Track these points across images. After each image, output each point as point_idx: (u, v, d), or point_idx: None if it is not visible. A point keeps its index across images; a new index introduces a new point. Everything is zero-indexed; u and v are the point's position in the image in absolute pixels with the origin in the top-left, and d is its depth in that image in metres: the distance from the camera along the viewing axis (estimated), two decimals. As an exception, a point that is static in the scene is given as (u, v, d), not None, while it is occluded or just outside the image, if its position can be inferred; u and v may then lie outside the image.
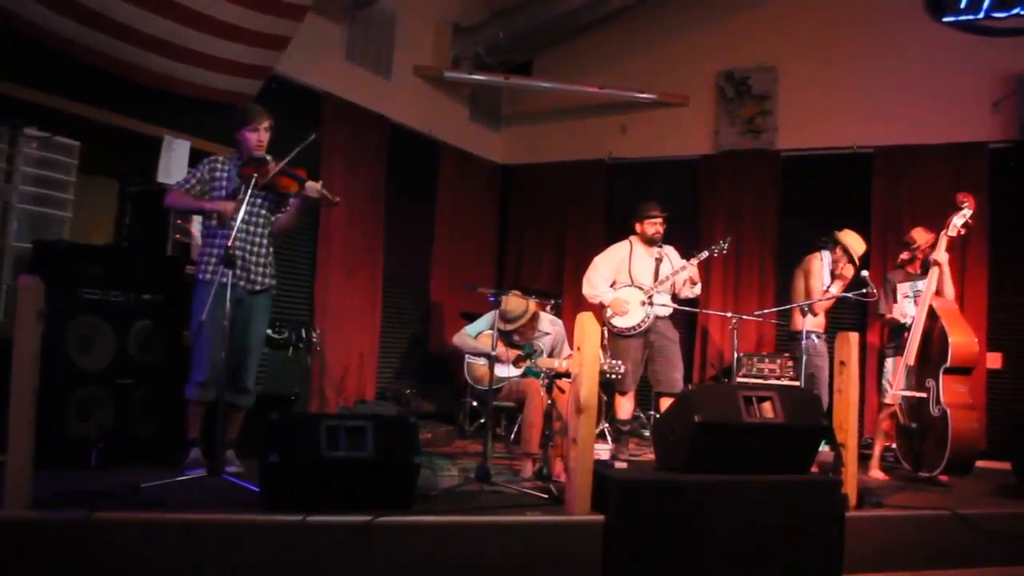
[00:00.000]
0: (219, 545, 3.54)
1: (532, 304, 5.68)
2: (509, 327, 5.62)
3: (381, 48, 8.20)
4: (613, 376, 5.71)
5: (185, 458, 4.62)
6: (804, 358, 6.14)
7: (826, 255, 6.43)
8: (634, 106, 9.30)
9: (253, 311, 4.81)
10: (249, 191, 4.52)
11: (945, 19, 8.12)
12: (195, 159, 5.20)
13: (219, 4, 5.76)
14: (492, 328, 5.41)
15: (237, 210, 4.49)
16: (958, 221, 5.81)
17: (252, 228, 4.78)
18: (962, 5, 8.04)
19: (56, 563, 3.42)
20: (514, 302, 5.62)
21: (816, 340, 6.29)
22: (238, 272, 4.61)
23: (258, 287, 4.82)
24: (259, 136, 4.79)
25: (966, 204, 5.82)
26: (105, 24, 5.39)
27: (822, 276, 6.39)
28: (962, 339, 5.60)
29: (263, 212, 4.84)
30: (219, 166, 4.83)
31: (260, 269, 4.83)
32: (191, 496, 3.96)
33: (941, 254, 5.78)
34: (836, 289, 6.28)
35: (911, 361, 5.75)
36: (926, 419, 5.64)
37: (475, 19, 9.17)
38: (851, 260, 6.31)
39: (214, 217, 4.74)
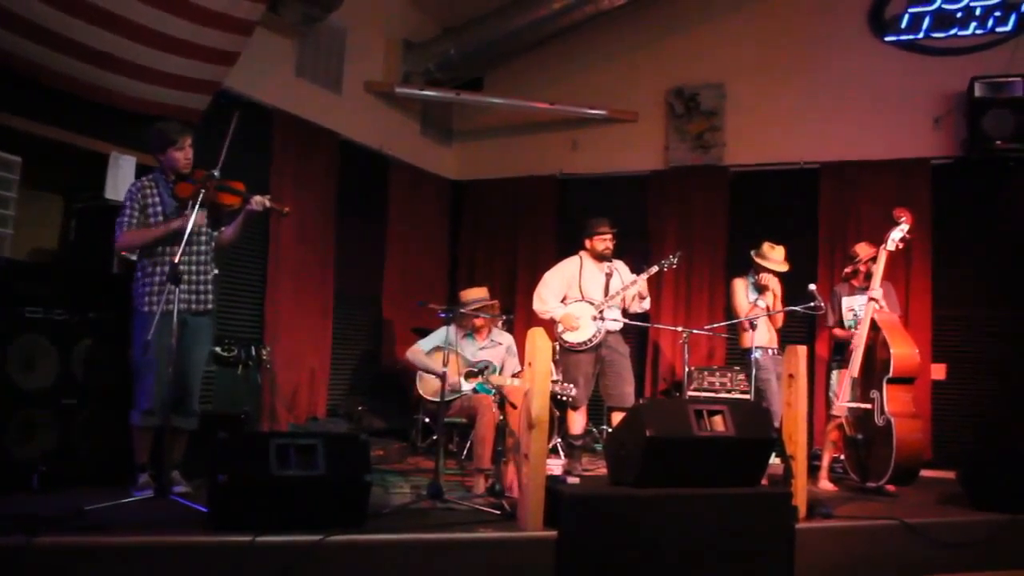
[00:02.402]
0: (167, 568, 3.47)
1: (496, 305, 6.01)
2: (465, 309, 5.84)
3: (331, 64, 8.17)
4: (564, 398, 5.79)
5: (135, 483, 4.52)
6: (752, 372, 6.24)
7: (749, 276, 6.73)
8: (585, 122, 9.37)
9: (197, 333, 4.73)
10: (196, 208, 4.41)
11: (887, 38, 8.34)
12: (142, 175, 5.08)
13: (166, 19, 5.70)
14: (445, 344, 5.41)
15: (187, 223, 4.38)
16: (896, 235, 5.97)
17: (196, 247, 4.69)
18: (903, 25, 8.26)
19: (-4, 590, 3.33)
20: (477, 294, 6.01)
21: (759, 355, 6.35)
22: (183, 294, 4.52)
23: (205, 306, 4.75)
24: (186, 153, 4.68)
25: (903, 219, 5.99)
26: (50, 39, 5.31)
27: (745, 293, 6.66)
28: (903, 350, 5.71)
29: (204, 228, 4.75)
30: (148, 191, 4.68)
31: (206, 287, 4.76)
32: (138, 518, 3.89)
33: (876, 291, 5.91)
34: (764, 302, 6.52)
35: (855, 373, 5.84)
36: (871, 429, 5.72)
37: (426, 35, 9.20)
38: (765, 269, 6.56)
39: (156, 251, 4.62)
